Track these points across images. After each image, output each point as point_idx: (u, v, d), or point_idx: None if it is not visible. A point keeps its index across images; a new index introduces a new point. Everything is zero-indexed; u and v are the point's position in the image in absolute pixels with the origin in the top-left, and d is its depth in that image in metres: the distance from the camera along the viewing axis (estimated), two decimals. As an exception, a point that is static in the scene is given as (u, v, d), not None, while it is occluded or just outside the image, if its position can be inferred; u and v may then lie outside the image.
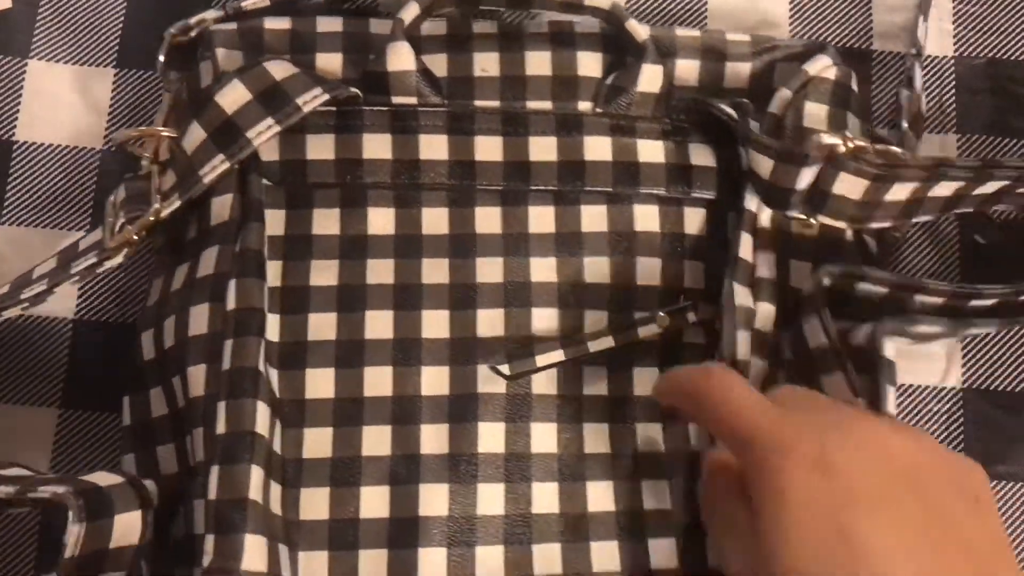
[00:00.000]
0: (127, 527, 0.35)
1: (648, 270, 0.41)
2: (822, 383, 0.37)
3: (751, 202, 0.40)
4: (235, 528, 0.34)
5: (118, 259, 0.39)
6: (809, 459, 0.31)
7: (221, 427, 0.35)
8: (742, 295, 0.39)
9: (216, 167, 0.39)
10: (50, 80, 0.46)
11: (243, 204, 0.39)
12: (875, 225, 0.41)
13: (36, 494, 0.35)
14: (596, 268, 0.40)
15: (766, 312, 0.39)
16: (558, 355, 0.40)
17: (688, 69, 0.43)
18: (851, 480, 0.31)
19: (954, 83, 0.46)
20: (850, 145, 0.38)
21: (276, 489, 0.37)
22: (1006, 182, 0.39)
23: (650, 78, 0.42)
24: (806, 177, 0.39)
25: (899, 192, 0.39)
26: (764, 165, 0.39)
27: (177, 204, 0.39)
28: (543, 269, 0.40)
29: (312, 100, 0.39)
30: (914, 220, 0.41)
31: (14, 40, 0.47)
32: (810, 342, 0.38)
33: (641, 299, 0.41)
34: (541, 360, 0.39)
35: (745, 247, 0.40)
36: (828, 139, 0.38)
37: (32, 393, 0.43)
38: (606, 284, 0.41)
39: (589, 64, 0.42)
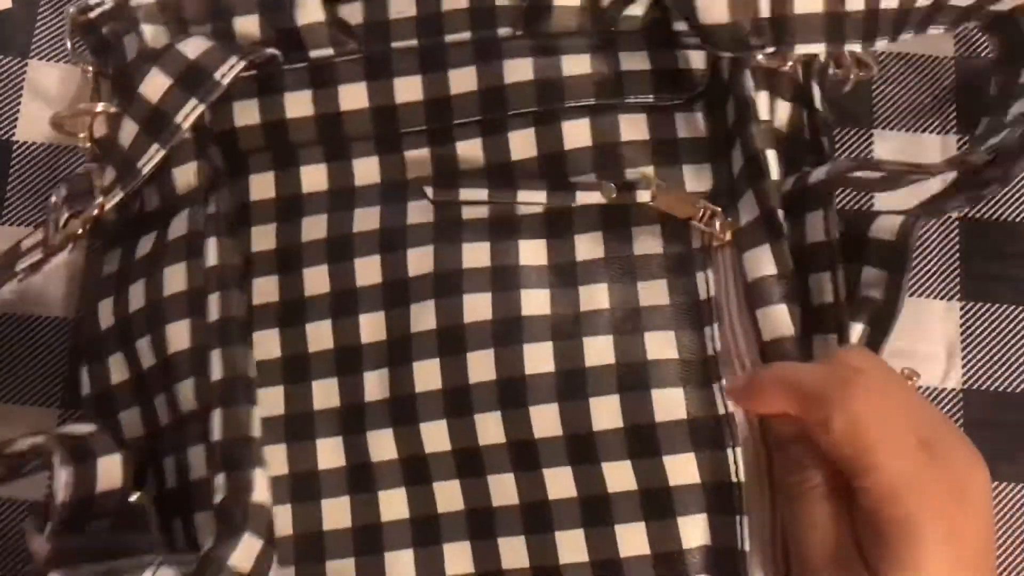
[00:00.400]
0: (109, 471, 0.36)
1: (585, 183, 0.39)
2: (808, 280, 0.37)
3: (749, 90, 0.39)
4: (243, 465, 0.35)
5: (63, 255, 0.40)
6: (946, 530, 0.31)
7: (218, 374, 0.37)
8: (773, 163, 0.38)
9: (152, 156, 0.39)
10: (50, 80, 0.46)
11: (208, 170, 0.40)
12: (846, 46, 0.39)
13: (13, 448, 0.35)
14: (529, 193, 0.39)
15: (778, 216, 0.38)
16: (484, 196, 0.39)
17: None
18: (973, 551, 0.32)
19: (954, 84, 0.46)
20: None
21: None
22: None
23: None
24: (764, 1, 0.38)
25: (856, 1, 0.38)
26: (718, 7, 0.38)
27: (119, 197, 0.40)
28: (475, 206, 0.40)
29: (229, 71, 0.39)
30: (874, 46, 0.40)
31: (14, 40, 0.47)
32: (808, 236, 0.38)
33: (579, 220, 0.39)
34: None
35: (759, 141, 0.38)
36: None
37: (32, 393, 0.43)
38: (542, 212, 0.39)
39: None
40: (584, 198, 0.38)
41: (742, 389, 0.36)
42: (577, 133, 0.40)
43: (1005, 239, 0.44)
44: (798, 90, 0.41)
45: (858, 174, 0.38)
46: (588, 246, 0.39)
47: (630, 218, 0.39)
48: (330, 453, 0.38)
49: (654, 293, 0.39)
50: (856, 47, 0.39)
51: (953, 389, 0.43)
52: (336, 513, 0.38)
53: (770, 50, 0.39)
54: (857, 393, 0.32)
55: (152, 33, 0.42)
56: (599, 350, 0.38)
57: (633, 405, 0.37)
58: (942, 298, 0.44)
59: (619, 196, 0.38)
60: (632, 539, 0.37)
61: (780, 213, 0.38)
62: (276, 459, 0.38)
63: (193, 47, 0.40)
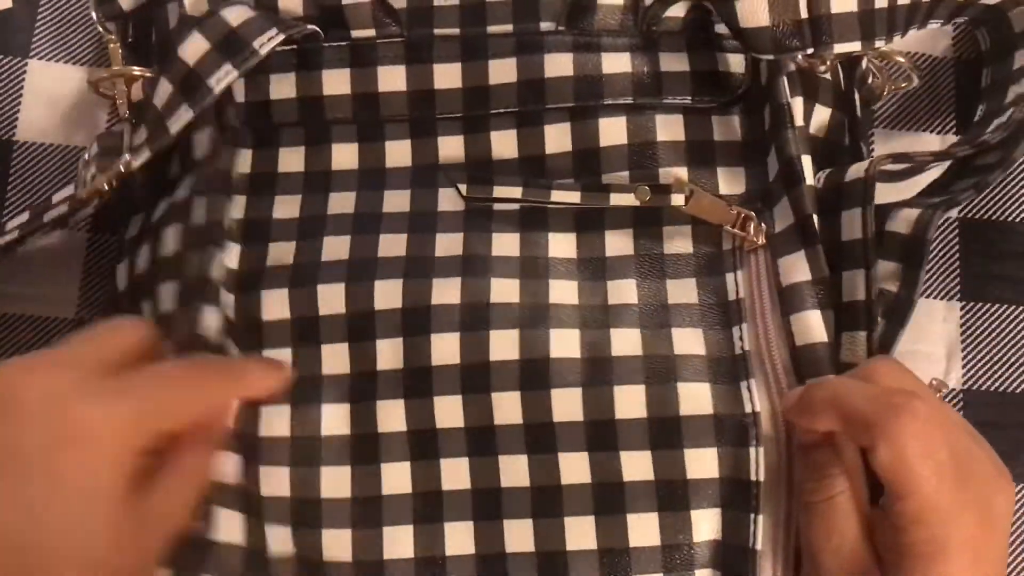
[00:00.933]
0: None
1: (619, 185, 0.40)
2: (841, 278, 0.38)
3: (785, 96, 0.39)
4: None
5: (88, 209, 0.40)
6: (971, 555, 0.32)
7: (183, 330, 0.37)
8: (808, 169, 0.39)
9: (181, 117, 0.39)
10: (50, 80, 0.46)
11: (219, 132, 0.40)
12: (878, 43, 0.39)
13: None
14: (563, 193, 0.39)
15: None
16: (516, 192, 0.39)
17: None
18: (991, 567, 0.33)
19: (953, 84, 0.47)
20: None
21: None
22: None
23: None
24: (802, 3, 0.38)
25: None
26: (759, 11, 0.38)
27: (147, 155, 0.40)
28: (507, 195, 0.40)
29: (268, 42, 0.39)
30: (895, 38, 0.40)
31: (14, 40, 0.46)
32: (844, 233, 0.38)
33: (611, 216, 0.40)
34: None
35: (795, 146, 0.38)
36: None
37: (32, 393, 0.43)
38: (573, 209, 0.40)
39: None
40: (618, 200, 0.39)
41: (793, 405, 0.36)
42: (613, 130, 0.40)
43: (1005, 239, 0.45)
44: (840, 97, 0.42)
45: (887, 167, 0.39)
46: (618, 242, 0.39)
47: (662, 218, 0.40)
48: (335, 419, 0.38)
49: (683, 291, 0.39)
50: (881, 43, 0.40)
51: (953, 389, 0.43)
52: (335, 481, 0.38)
53: (809, 51, 0.39)
54: (904, 424, 0.32)
55: (193, 1, 0.42)
56: (626, 341, 0.38)
57: (658, 396, 0.37)
58: (942, 298, 0.44)
59: (652, 199, 0.39)
60: (643, 528, 0.37)
61: (815, 219, 0.38)
62: (279, 420, 0.38)
63: (236, 15, 0.40)
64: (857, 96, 0.42)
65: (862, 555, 0.33)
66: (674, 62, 0.41)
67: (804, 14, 0.38)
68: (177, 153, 0.41)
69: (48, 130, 0.45)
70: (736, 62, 0.41)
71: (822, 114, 0.41)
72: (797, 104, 0.40)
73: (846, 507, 0.34)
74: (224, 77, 0.39)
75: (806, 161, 0.39)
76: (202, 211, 0.38)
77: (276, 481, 0.38)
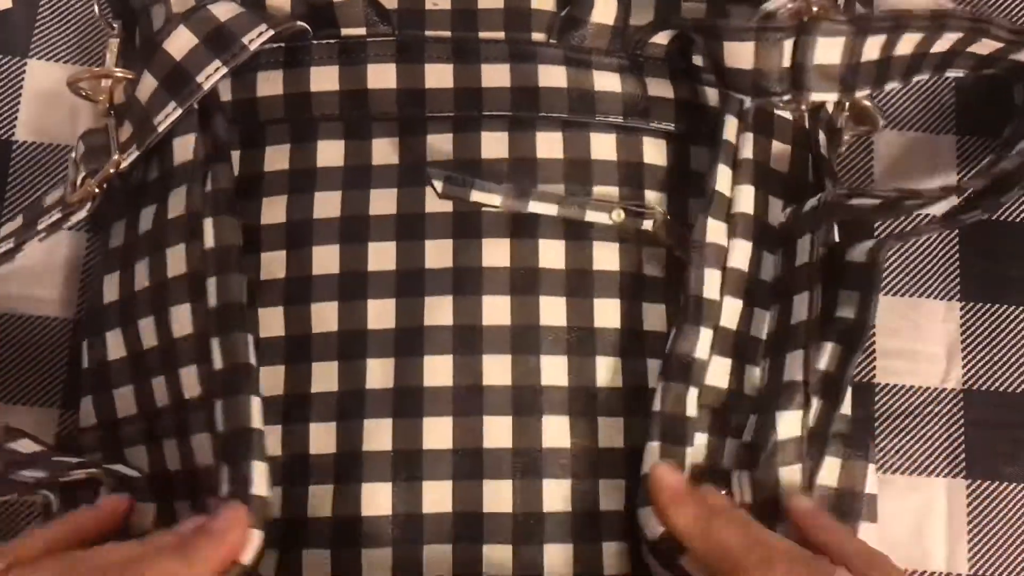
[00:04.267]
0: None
1: (605, 198, 0.40)
2: (793, 302, 0.39)
3: (730, 132, 0.40)
4: (244, 457, 0.35)
5: (82, 213, 0.40)
6: None
7: (218, 363, 0.36)
8: (715, 231, 0.39)
9: (169, 114, 0.39)
10: (50, 80, 0.46)
11: (209, 143, 0.39)
12: (858, 93, 0.40)
13: (67, 478, 0.36)
14: (541, 204, 0.40)
15: (742, 249, 0.39)
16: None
17: (644, 6, 0.43)
18: None
19: (953, 85, 0.47)
20: (813, 2, 0.39)
21: None
22: (959, 34, 0.40)
23: (603, 8, 0.42)
24: (787, 50, 0.39)
25: (872, 49, 0.39)
26: (745, 54, 0.39)
27: (136, 154, 0.39)
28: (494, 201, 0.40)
29: (258, 37, 0.39)
30: (886, 87, 0.41)
31: (14, 40, 0.47)
32: (797, 258, 0.39)
33: (598, 228, 0.40)
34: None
35: (723, 180, 0.39)
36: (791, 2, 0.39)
37: (32, 393, 0.43)
38: (557, 215, 0.40)
39: None
40: (592, 217, 0.39)
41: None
42: (604, 146, 0.41)
43: (1005, 239, 0.45)
44: (801, 135, 0.42)
45: (854, 202, 0.39)
46: (605, 255, 0.40)
47: (641, 238, 0.40)
48: (322, 438, 0.38)
49: (656, 319, 0.39)
50: (866, 91, 0.40)
51: (953, 389, 0.43)
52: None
53: (786, 97, 0.40)
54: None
55: (179, 1, 0.41)
56: (608, 368, 0.39)
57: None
58: (942, 298, 0.44)
59: (625, 221, 0.39)
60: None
61: (738, 244, 0.39)
62: (269, 439, 0.37)
63: (224, 10, 0.40)
64: (823, 136, 0.43)
65: None
66: (660, 88, 0.41)
67: (787, 62, 0.39)
68: (156, 156, 0.41)
69: (48, 130, 0.45)
70: (712, 95, 0.41)
71: (781, 150, 0.42)
72: (747, 139, 0.40)
73: None
74: (213, 73, 0.39)
75: (747, 190, 0.40)
76: (212, 234, 0.38)
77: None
